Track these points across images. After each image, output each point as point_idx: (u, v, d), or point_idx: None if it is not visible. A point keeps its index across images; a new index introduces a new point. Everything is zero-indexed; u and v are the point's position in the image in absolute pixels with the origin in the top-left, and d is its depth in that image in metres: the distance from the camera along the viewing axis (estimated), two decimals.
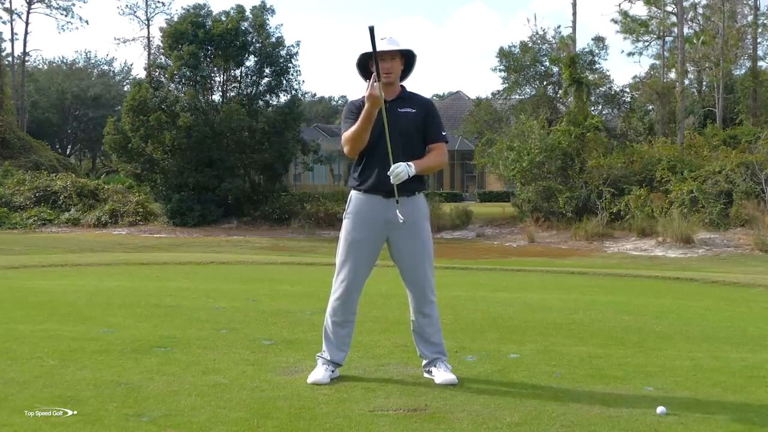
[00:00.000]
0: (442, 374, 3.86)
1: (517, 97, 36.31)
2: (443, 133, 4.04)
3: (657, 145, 27.07)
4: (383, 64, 3.89)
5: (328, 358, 3.92)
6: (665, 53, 39.18)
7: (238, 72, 29.16)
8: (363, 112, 3.80)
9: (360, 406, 3.39)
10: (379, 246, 3.99)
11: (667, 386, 3.85)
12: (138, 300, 6.61)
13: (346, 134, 3.93)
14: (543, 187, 24.27)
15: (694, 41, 35.65)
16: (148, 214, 27.50)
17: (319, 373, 3.83)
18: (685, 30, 33.38)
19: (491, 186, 39.97)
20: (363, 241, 3.93)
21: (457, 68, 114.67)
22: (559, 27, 58.51)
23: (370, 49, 3.82)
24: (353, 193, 3.99)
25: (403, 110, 3.94)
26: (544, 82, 35.41)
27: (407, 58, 4.00)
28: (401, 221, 3.84)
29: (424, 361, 4.00)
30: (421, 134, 3.97)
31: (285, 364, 4.16)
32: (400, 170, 3.77)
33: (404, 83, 4.08)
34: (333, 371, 3.88)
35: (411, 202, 3.94)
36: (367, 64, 3.97)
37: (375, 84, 3.76)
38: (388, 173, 3.79)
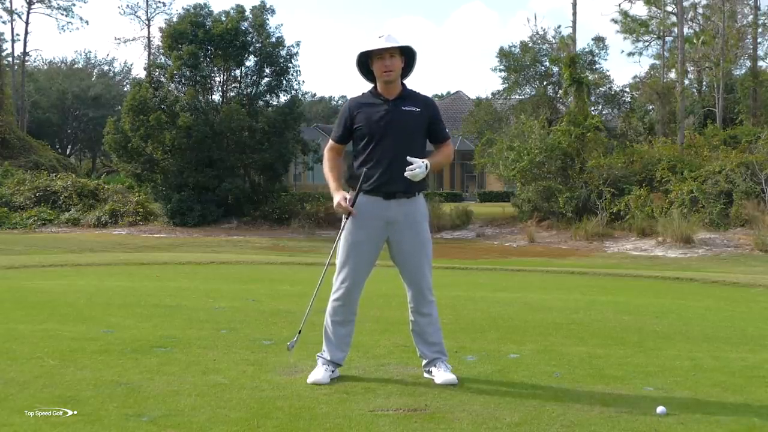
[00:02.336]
0: (442, 374, 3.85)
1: (517, 97, 36.30)
2: (446, 130, 4.13)
3: (657, 145, 27.07)
4: (383, 62, 3.87)
5: (328, 358, 3.92)
6: (665, 53, 39.19)
7: (238, 72, 29.17)
8: (331, 188, 3.95)
9: (360, 406, 3.38)
10: (379, 246, 3.99)
11: (667, 386, 3.85)
12: (138, 300, 6.61)
13: (325, 163, 4.06)
14: (543, 187, 24.27)
15: (694, 41, 35.64)
16: (148, 214, 27.51)
17: (319, 373, 3.83)
18: (685, 30, 33.39)
19: (491, 186, 39.97)
20: (363, 241, 3.92)
21: (456, 68, 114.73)
22: (559, 27, 58.59)
23: (369, 48, 3.86)
24: (353, 194, 3.99)
25: (407, 108, 3.92)
26: (544, 82, 35.40)
27: (407, 56, 3.97)
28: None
29: (424, 361, 4.00)
30: (424, 133, 3.98)
31: (285, 364, 4.16)
32: (420, 171, 3.80)
33: (405, 81, 4.04)
34: (333, 371, 3.88)
35: (411, 203, 3.94)
36: (367, 63, 3.96)
37: (350, 209, 3.87)
38: (407, 174, 3.80)
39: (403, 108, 3.91)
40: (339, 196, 3.91)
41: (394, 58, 3.88)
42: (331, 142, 4.07)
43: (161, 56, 30.32)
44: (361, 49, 3.93)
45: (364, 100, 3.97)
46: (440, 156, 4.04)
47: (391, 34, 3.90)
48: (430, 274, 4.00)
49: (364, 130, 3.90)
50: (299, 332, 4.08)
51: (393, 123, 3.87)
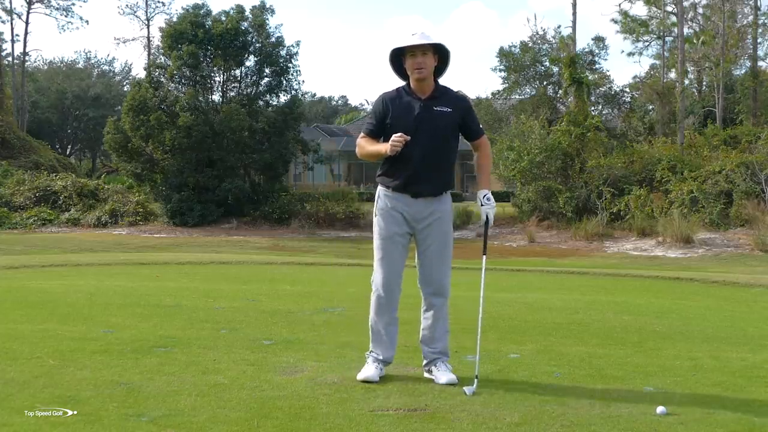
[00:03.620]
0: (442, 374, 3.86)
1: (517, 97, 36.34)
2: (480, 126, 4.10)
3: (657, 145, 27.09)
4: (415, 59, 3.83)
5: (381, 357, 3.92)
6: (665, 53, 39.20)
7: (238, 72, 29.18)
8: (381, 149, 3.86)
9: (360, 406, 3.38)
10: (407, 240, 3.99)
11: (667, 386, 3.85)
12: (138, 300, 6.60)
13: (362, 147, 3.98)
14: (543, 187, 24.28)
15: (694, 41, 35.65)
16: (148, 214, 27.52)
17: (370, 370, 3.83)
18: (685, 30, 33.39)
19: (491, 186, 39.92)
20: (396, 234, 3.93)
21: (456, 68, 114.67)
22: (559, 27, 58.63)
23: (402, 44, 3.84)
24: (381, 191, 3.97)
25: (439, 109, 3.89)
26: (544, 82, 35.45)
27: (441, 54, 3.93)
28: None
29: (425, 361, 4.00)
30: (456, 133, 3.98)
31: (285, 364, 4.16)
32: (494, 212, 4.15)
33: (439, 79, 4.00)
34: (381, 369, 3.88)
35: (438, 201, 3.95)
36: (399, 60, 3.93)
37: (399, 145, 3.78)
38: (488, 222, 4.14)
39: (435, 108, 3.88)
40: (388, 143, 3.80)
41: (426, 55, 3.84)
42: (363, 134, 4.02)
43: (161, 56, 30.32)
44: (393, 45, 3.90)
45: (398, 96, 3.94)
46: (485, 165, 4.14)
47: (424, 32, 3.86)
48: (449, 274, 4.01)
49: (396, 128, 3.86)
50: (476, 376, 3.74)
51: (425, 123, 3.84)
